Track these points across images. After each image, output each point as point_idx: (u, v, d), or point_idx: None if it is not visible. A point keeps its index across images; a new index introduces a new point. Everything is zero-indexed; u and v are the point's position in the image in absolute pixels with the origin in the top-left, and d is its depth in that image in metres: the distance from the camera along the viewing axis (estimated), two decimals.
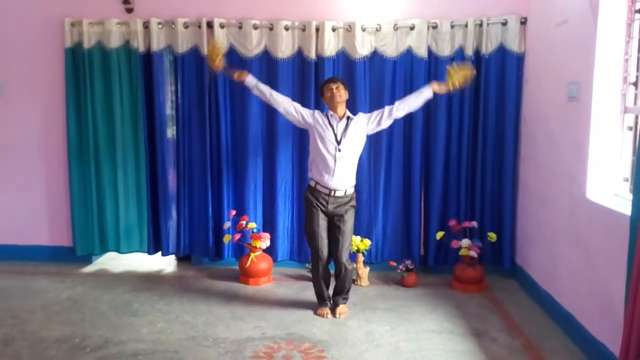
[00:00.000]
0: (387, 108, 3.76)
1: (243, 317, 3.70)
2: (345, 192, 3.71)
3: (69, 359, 3.07)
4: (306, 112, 3.77)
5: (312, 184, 3.76)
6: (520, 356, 3.15)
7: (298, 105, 3.79)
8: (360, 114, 3.84)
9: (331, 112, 3.71)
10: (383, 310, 3.85)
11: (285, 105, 3.76)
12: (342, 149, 3.64)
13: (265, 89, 3.75)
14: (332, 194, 3.67)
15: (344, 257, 3.72)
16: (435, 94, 3.78)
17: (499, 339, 3.37)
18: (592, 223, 3.11)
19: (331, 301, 3.86)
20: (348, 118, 3.72)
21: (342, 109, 3.72)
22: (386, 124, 3.79)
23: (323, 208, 3.70)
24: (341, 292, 3.82)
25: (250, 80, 3.74)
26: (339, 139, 3.66)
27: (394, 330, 3.51)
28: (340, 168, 3.65)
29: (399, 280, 4.38)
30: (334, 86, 3.67)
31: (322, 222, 3.73)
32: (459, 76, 3.68)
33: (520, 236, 4.44)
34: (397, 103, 3.76)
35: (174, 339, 3.35)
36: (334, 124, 3.69)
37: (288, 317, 3.70)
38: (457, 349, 3.25)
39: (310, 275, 4.39)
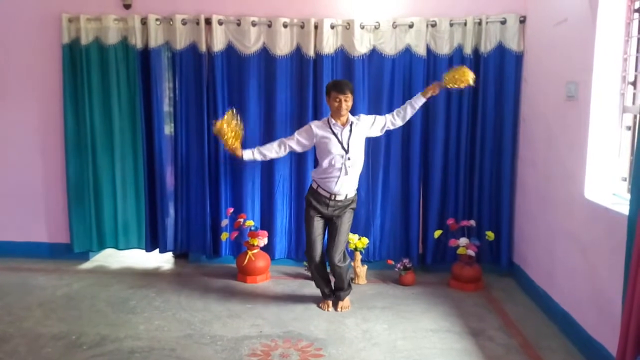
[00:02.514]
0: (388, 118, 3.82)
1: (240, 315, 3.70)
2: (346, 196, 3.70)
3: (65, 356, 3.07)
4: (305, 136, 3.74)
5: (315, 186, 3.73)
6: (517, 355, 3.16)
7: (294, 139, 3.77)
8: (362, 116, 3.82)
9: (333, 120, 3.67)
10: (380, 308, 3.85)
11: (287, 147, 3.78)
12: (351, 157, 3.63)
13: (260, 155, 3.78)
14: (333, 197, 3.67)
15: (336, 258, 3.70)
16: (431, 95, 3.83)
17: (496, 338, 3.38)
18: (590, 222, 3.11)
19: (333, 295, 3.88)
20: (351, 124, 3.68)
21: (345, 117, 3.68)
22: (383, 131, 3.89)
23: (323, 211, 3.70)
24: (341, 288, 3.82)
25: (247, 155, 3.76)
26: (345, 147, 3.62)
27: (392, 328, 3.51)
28: (348, 175, 3.64)
29: (396, 278, 4.38)
30: (342, 98, 3.56)
31: (318, 225, 3.75)
32: (453, 78, 3.69)
33: (518, 235, 4.44)
34: (395, 114, 3.82)
35: (170, 336, 3.34)
36: (337, 131, 3.65)
37: (285, 315, 3.70)
38: (454, 347, 3.25)
39: (308, 274, 4.41)
